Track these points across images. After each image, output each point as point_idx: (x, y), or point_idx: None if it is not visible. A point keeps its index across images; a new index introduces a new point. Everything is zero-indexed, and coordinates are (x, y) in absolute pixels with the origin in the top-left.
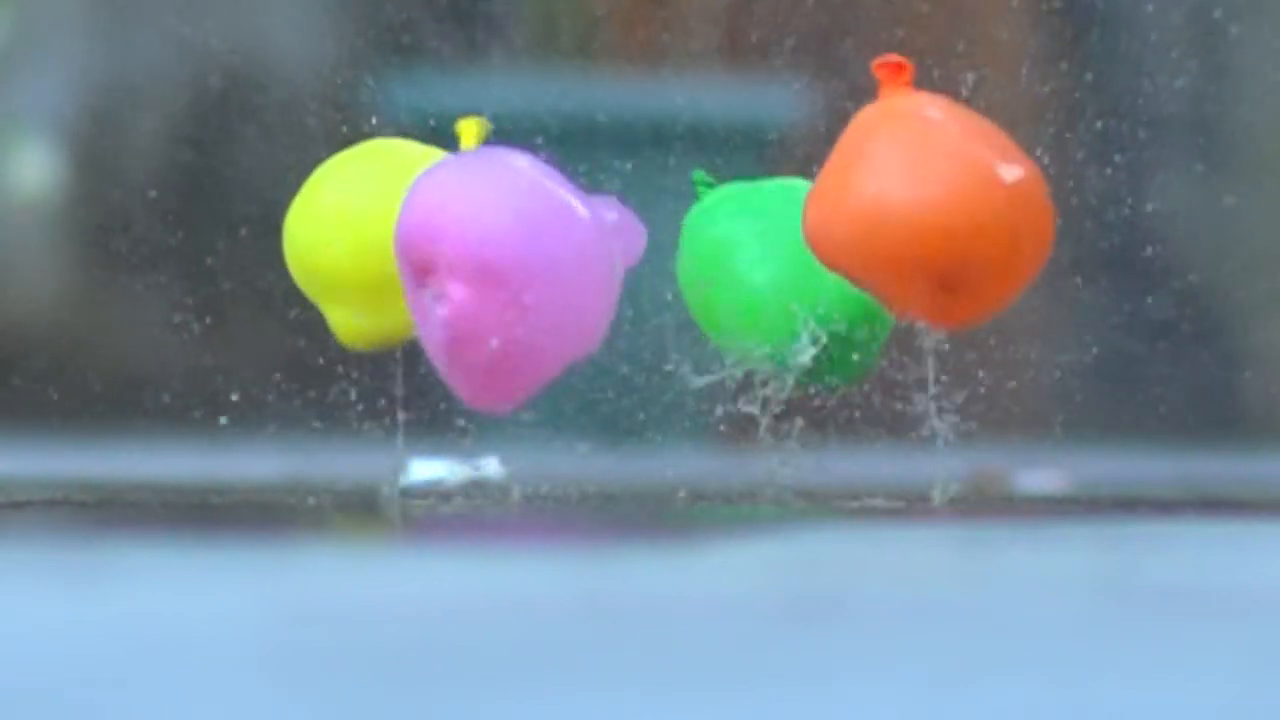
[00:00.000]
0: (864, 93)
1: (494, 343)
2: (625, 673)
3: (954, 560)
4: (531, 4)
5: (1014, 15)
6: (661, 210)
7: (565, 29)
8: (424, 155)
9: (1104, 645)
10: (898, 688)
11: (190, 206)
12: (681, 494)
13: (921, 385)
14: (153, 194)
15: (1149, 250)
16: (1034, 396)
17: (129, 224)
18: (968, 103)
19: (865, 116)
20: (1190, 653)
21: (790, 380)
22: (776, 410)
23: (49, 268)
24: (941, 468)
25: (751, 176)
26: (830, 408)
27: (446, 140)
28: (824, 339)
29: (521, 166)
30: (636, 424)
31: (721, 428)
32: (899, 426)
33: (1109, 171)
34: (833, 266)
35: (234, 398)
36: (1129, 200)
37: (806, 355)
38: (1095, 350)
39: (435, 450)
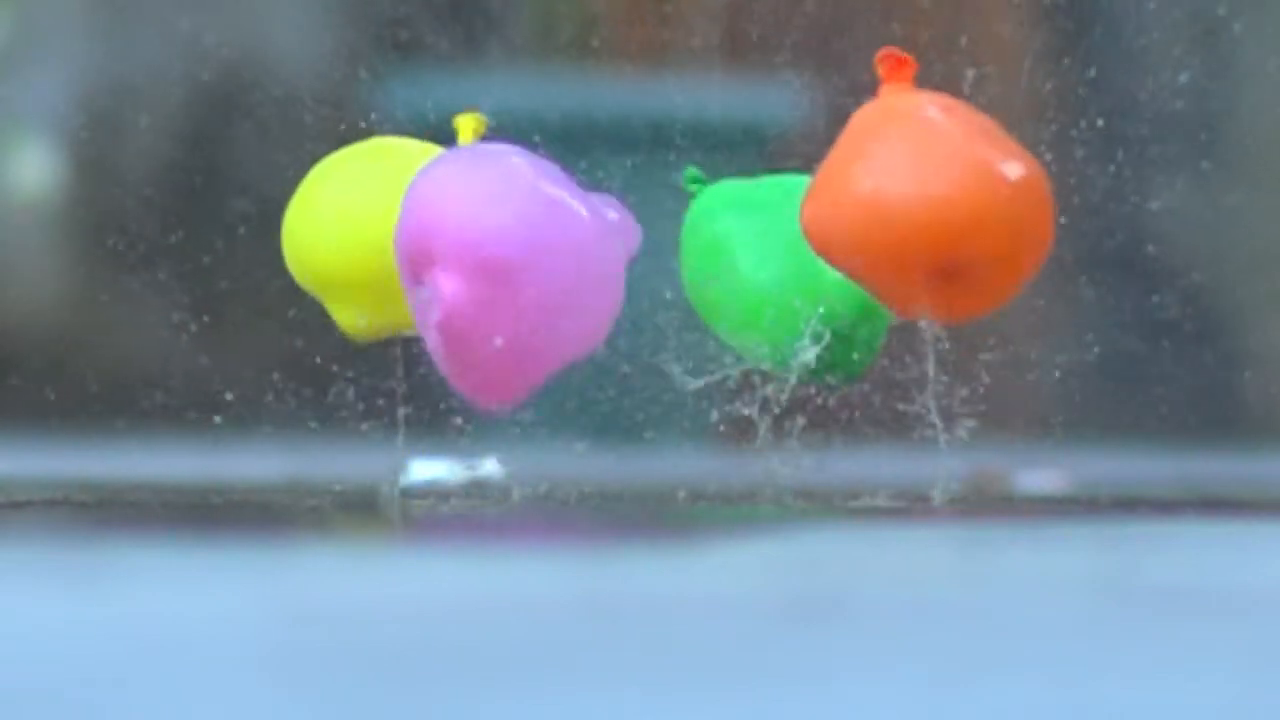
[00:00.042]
0: (864, 90)
1: (497, 341)
2: (625, 673)
3: (954, 560)
4: (531, 0)
5: (1016, 11)
6: (661, 208)
7: (564, 25)
8: (422, 152)
9: (1104, 645)
10: (898, 688)
11: (189, 205)
12: (681, 494)
13: (922, 385)
14: (151, 194)
15: (1150, 249)
16: (1034, 396)
17: (128, 223)
18: (969, 100)
19: (865, 114)
20: (1190, 653)
21: (792, 379)
22: (777, 410)
23: (48, 267)
24: (941, 468)
25: (751, 174)
26: (831, 407)
27: (445, 138)
28: (827, 336)
29: (521, 164)
30: (636, 424)
31: (721, 427)
32: (899, 426)
33: (1111, 169)
34: (830, 261)
35: (234, 397)
36: (1131, 199)
37: (810, 353)
38: (1096, 350)
39: (435, 450)
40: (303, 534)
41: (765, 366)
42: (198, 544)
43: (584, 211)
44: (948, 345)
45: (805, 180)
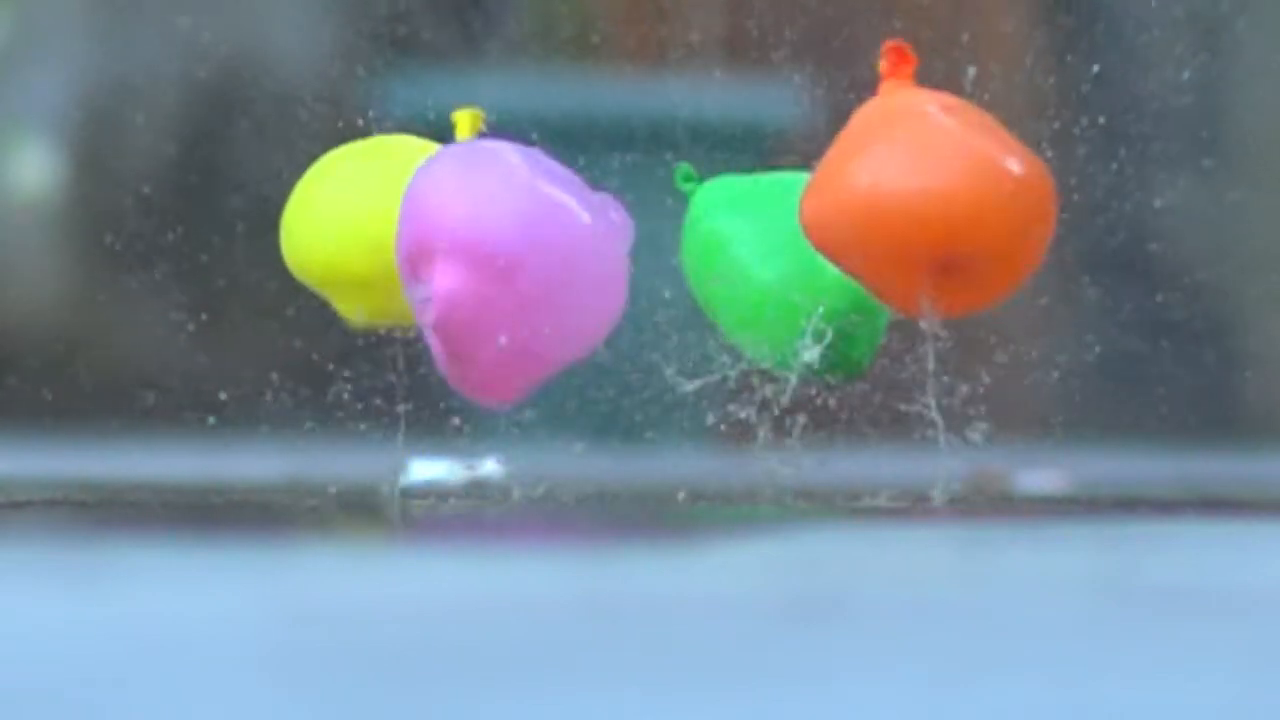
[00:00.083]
0: (865, 87)
1: (501, 340)
2: (625, 673)
3: (954, 560)
4: None
5: (1018, 9)
6: (660, 207)
7: (564, 22)
8: (420, 150)
9: (1104, 645)
10: (898, 688)
11: (187, 204)
12: (681, 494)
13: (922, 385)
14: (149, 192)
15: (1151, 248)
16: (1034, 396)
17: (126, 222)
18: (970, 97)
19: (865, 111)
20: (1190, 653)
21: (793, 378)
22: (777, 410)
23: (46, 266)
24: (941, 468)
25: (750, 171)
26: (831, 407)
27: (444, 136)
28: (829, 334)
29: (521, 163)
30: (636, 424)
31: (721, 427)
32: (899, 426)
33: (1113, 167)
34: (830, 256)
35: (232, 397)
36: (1133, 197)
37: (813, 351)
38: (1096, 350)
39: (435, 450)
40: (303, 534)
41: (766, 365)
42: (198, 544)
43: (584, 212)
44: (949, 345)
45: (805, 177)
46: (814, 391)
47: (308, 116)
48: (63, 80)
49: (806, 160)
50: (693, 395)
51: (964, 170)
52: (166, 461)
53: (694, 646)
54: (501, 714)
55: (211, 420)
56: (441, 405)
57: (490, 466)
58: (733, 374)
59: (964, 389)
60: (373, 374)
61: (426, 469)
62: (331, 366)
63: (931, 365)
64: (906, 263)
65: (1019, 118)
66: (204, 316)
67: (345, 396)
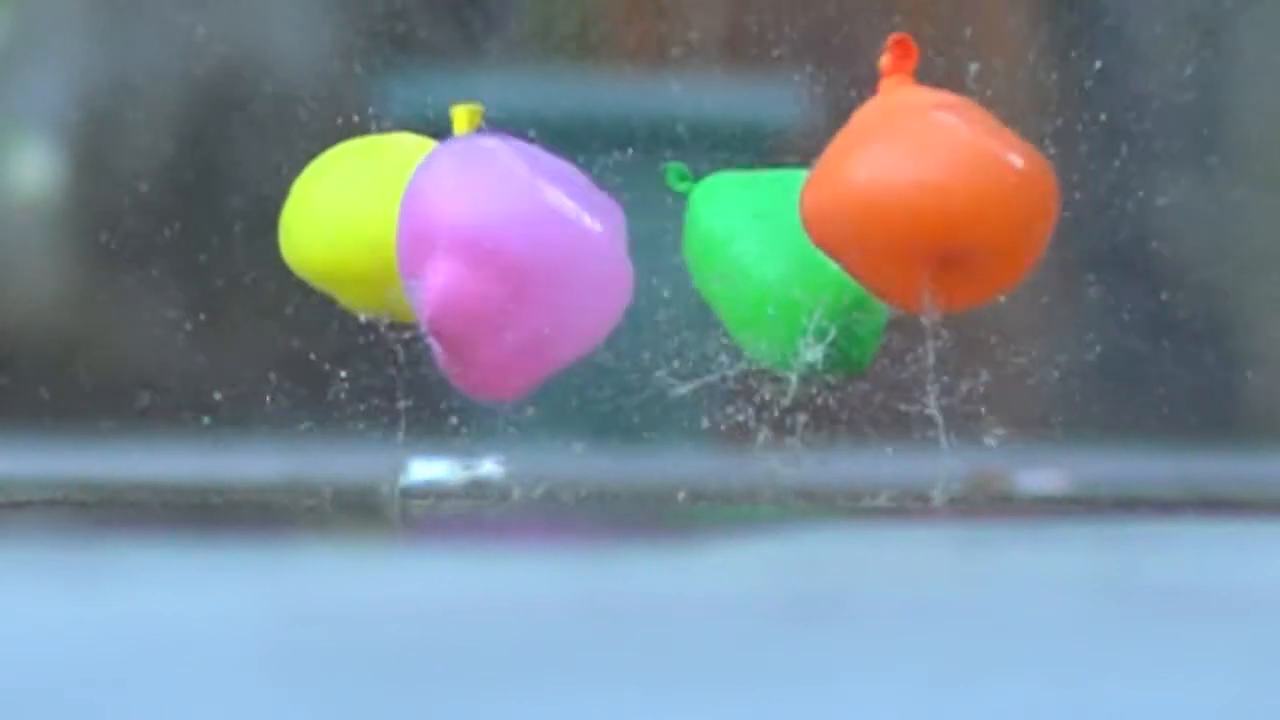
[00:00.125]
0: (865, 84)
1: (506, 338)
2: (625, 673)
3: (954, 560)
4: None
5: (1020, 5)
6: (660, 206)
7: (563, 20)
8: (418, 148)
9: (1104, 645)
10: (898, 688)
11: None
12: (681, 494)
13: (922, 384)
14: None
15: (1152, 247)
16: (1034, 396)
17: (124, 221)
18: (972, 94)
19: (865, 109)
20: (1190, 653)
21: (794, 378)
22: (777, 411)
23: (44, 266)
24: (941, 468)
25: (751, 169)
26: (831, 407)
27: (442, 134)
28: (832, 332)
29: (520, 161)
30: (636, 424)
31: (722, 427)
32: (900, 426)
33: (1115, 164)
34: (829, 251)
35: (231, 397)
36: (1135, 194)
37: (815, 350)
38: (1097, 349)
39: (435, 450)
40: (302, 534)
41: (768, 364)
42: (197, 544)
43: (584, 211)
44: (949, 345)
45: (805, 175)
46: (815, 391)
47: (306, 115)
48: (62, 80)
49: (807, 158)
50: (693, 395)
51: (962, 164)
52: (165, 461)
53: (694, 646)
54: (501, 714)
55: (209, 420)
56: (441, 405)
57: (490, 466)
58: (732, 374)
59: (964, 388)
60: (372, 373)
61: (426, 469)
62: (330, 366)
63: (931, 356)
64: (905, 257)
65: (1021, 115)
66: (202, 316)
67: (344, 396)
